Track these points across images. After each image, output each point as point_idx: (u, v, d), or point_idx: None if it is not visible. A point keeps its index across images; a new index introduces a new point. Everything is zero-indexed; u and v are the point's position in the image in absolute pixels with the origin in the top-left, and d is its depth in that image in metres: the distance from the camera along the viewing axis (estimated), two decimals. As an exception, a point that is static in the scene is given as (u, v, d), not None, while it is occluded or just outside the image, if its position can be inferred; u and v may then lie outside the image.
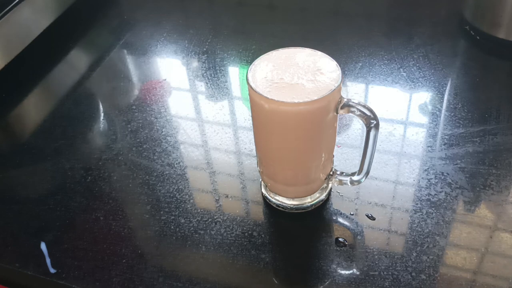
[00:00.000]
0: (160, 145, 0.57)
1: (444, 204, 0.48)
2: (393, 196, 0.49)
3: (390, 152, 0.54)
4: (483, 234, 0.45)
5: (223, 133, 0.58)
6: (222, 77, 0.67)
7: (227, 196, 0.51)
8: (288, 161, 0.45)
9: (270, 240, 0.46)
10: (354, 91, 0.62)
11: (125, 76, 0.70)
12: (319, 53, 0.42)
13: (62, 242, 0.48)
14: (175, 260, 0.45)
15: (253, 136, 0.47)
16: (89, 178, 0.54)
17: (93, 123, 0.62)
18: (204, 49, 0.72)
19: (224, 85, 0.66)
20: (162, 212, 0.49)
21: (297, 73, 0.41)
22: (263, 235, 0.47)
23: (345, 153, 0.54)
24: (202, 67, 0.69)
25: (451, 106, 0.59)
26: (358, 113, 0.41)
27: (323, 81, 0.39)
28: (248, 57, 0.70)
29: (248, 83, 0.40)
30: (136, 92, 0.67)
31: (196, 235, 0.47)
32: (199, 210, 0.49)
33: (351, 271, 0.43)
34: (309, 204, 0.48)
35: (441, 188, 0.49)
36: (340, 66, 0.41)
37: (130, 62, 0.73)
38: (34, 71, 0.71)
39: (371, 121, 0.41)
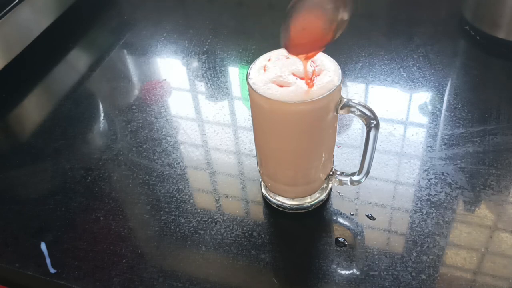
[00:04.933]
0: (160, 145, 0.57)
1: (444, 204, 0.48)
2: (393, 196, 0.49)
3: (390, 152, 0.54)
4: (483, 234, 0.45)
5: (223, 133, 0.58)
6: (222, 77, 0.67)
7: (227, 196, 0.51)
8: (288, 161, 0.45)
9: (270, 240, 0.46)
10: (354, 91, 0.62)
11: (125, 76, 0.70)
12: (319, 53, 0.42)
13: (62, 242, 0.48)
14: (175, 260, 0.45)
15: (253, 136, 0.47)
16: (89, 178, 0.54)
17: (93, 123, 0.62)
18: (204, 49, 0.72)
19: (224, 85, 0.66)
20: (162, 212, 0.49)
21: (297, 73, 0.40)
22: (263, 235, 0.47)
23: (345, 153, 0.54)
24: (202, 67, 0.69)
25: (451, 106, 0.59)
26: (358, 113, 0.41)
27: (323, 81, 0.39)
28: (248, 57, 0.70)
29: (248, 83, 0.40)
30: (136, 92, 0.67)
31: (196, 235, 0.47)
32: (199, 210, 0.49)
33: (351, 271, 0.43)
34: (309, 204, 0.48)
35: (441, 188, 0.49)
36: (340, 66, 0.41)
37: (130, 62, 0.73)
38: (34, 71, 0.71)
39: (371, 121, 0.41)
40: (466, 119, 0.56)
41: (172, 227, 0.48)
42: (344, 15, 0.35)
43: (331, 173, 0.47)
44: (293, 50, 0.37)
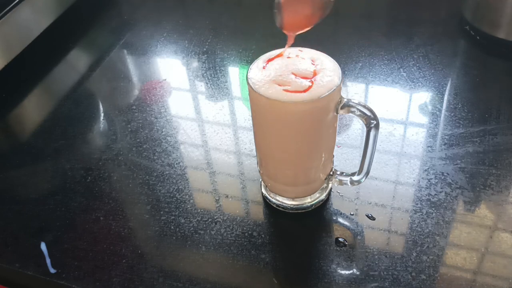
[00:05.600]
0: (160, 145, 0.57)
1: (444, 204, 0.48)
2: (393, 196, 0.49)
3: (390, 152, 0.54)
4: (483, 234, 0.45)
5: (223, 133, 0.58)
6: (222, 77, 0.67)
7: (227, 196, 0.51)
8: (288, 161, 0.45)
9: (270, 240, 0.46)
10: (354, 91, 0.62)
11: (125, 76, 0.70)
12: (319, 53, 0.42)
13: (62, 242, 0.48)
14: (175, 260, 0.45)
15: (253, 136, 0.47)
16: (89, 178, 0.54)
17: (93, 123, 0.62)
18: (204, 49, 0.72)
19: (224, 85, 0.66)
20: (162, 212, 0.49)
21: (297, 73, 0.40)
22: (263, 235, 0.47)
23: (345, 153, 0.54)
24: (202, 67, 0.69)
25: (451, 106, 0.59)
26: (358, 113, 0.41)
27: (323, 81, 0.39)
28: (248, 57, 0.70)
29: (248, 83, 0.40)
30: (136, 92, 0.67)
31: (196, 235, 0.47)
32: (199, 210, 0.49)
33: (351, 271, 0.43)
34: (309, 204, 0.48)
35: (441, 188, 0.49)
36: (340, 66, 0.41)
37: (130, 62, 0.73)
38: (34, 71, 0.72)
39: (371, 121, 0.41)
40: (466, 119, 0.56)
41: (172, 227, 0.48)
42: None
43: (331, 173, 0.47)
44: (286, 29, 0.41)
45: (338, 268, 0.43)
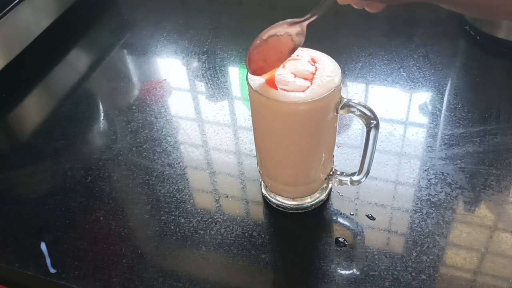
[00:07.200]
0: (160, 145, 0.57)
1: (444, 204, 0.48)
2: (393, 196, 0.49)
3: (390, 152, 0.54)
4: (483, 234, 0.45)
5: (223, 133, 0.58)
6: (222, 77, 0.67)
7: (227, 196, 0.51)
8: (288, 161, 0.45)
9: (270, 240, 0.46)
10: (354, 91, 0.62)
11: (125, 76, 0.70)
12: (319, 53, 0.42)
13: (62, 242, 0.48)
14: (175, 260, 0.45)
15: (253, 136, 0.47)
16: (89, 178, 0.54)
17: (93, 123, 0.62)
18: (204, 49, 0.72)
19: (224, 85, 0.66)
20: (162, 212, 0.49)
21: (297, 73, 0.40)
22: (263, 235, 0.47)
23: (345, 153, 0.54)
24: (202, 67, 0.69)
25: (451, 106, 0.59)
26: (358, 113, 0.41)
27: (323, 81, 0.39)
28: (248, 57, 0.70)
29: (248, 83, 0.40)
30: (136, 92, 0.67)
31: (196, 235, 0.47)
32: (199, 210, 0.49)
33: (351, 271, 0.43)
34: (309, 204, 0.48)
35: (441, 188, 0.49)
36: (340, 66, 0.41)
37: (130, 62, 0.73)
38: (34, 71, 0.71)
39: (371, 121, 0.41)
40: (466, 119, 0.56)
41: (172, 227, 0.48)
42: (301, 39, 0.39)
43: (331, 173, 0.47)
44: (257, 75, 0.40)
45: (338, 268, 0.43)
